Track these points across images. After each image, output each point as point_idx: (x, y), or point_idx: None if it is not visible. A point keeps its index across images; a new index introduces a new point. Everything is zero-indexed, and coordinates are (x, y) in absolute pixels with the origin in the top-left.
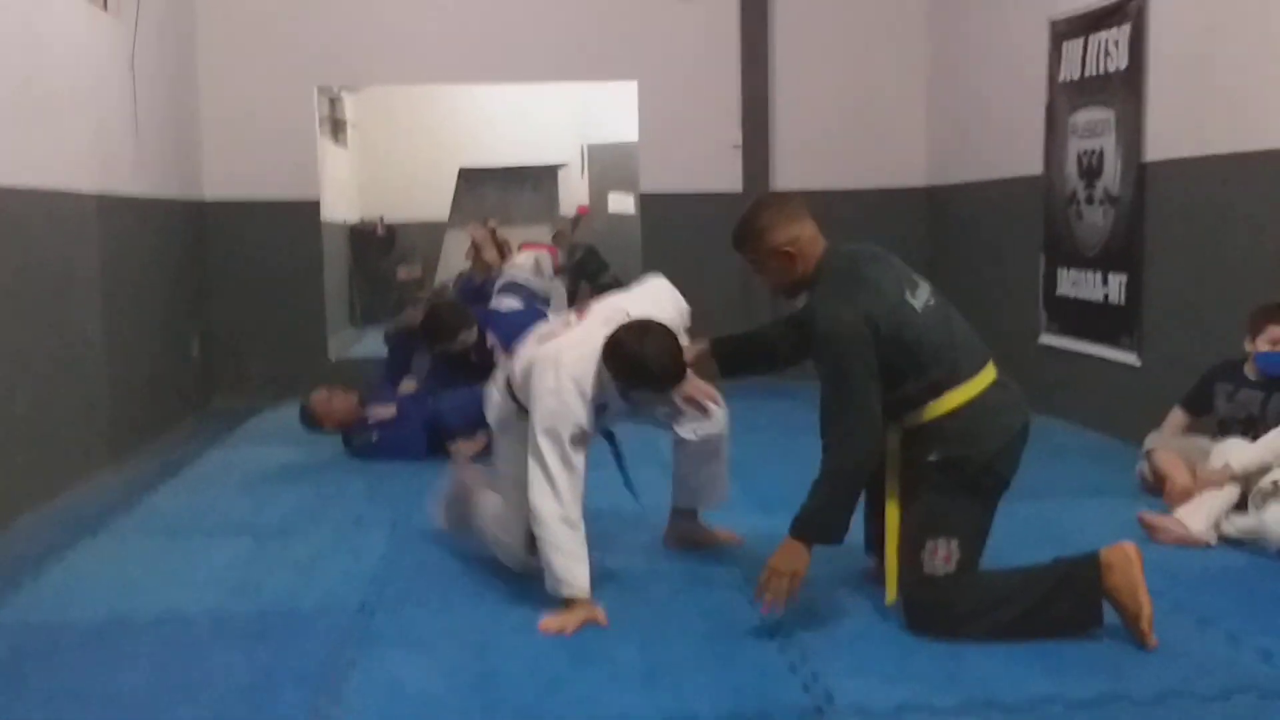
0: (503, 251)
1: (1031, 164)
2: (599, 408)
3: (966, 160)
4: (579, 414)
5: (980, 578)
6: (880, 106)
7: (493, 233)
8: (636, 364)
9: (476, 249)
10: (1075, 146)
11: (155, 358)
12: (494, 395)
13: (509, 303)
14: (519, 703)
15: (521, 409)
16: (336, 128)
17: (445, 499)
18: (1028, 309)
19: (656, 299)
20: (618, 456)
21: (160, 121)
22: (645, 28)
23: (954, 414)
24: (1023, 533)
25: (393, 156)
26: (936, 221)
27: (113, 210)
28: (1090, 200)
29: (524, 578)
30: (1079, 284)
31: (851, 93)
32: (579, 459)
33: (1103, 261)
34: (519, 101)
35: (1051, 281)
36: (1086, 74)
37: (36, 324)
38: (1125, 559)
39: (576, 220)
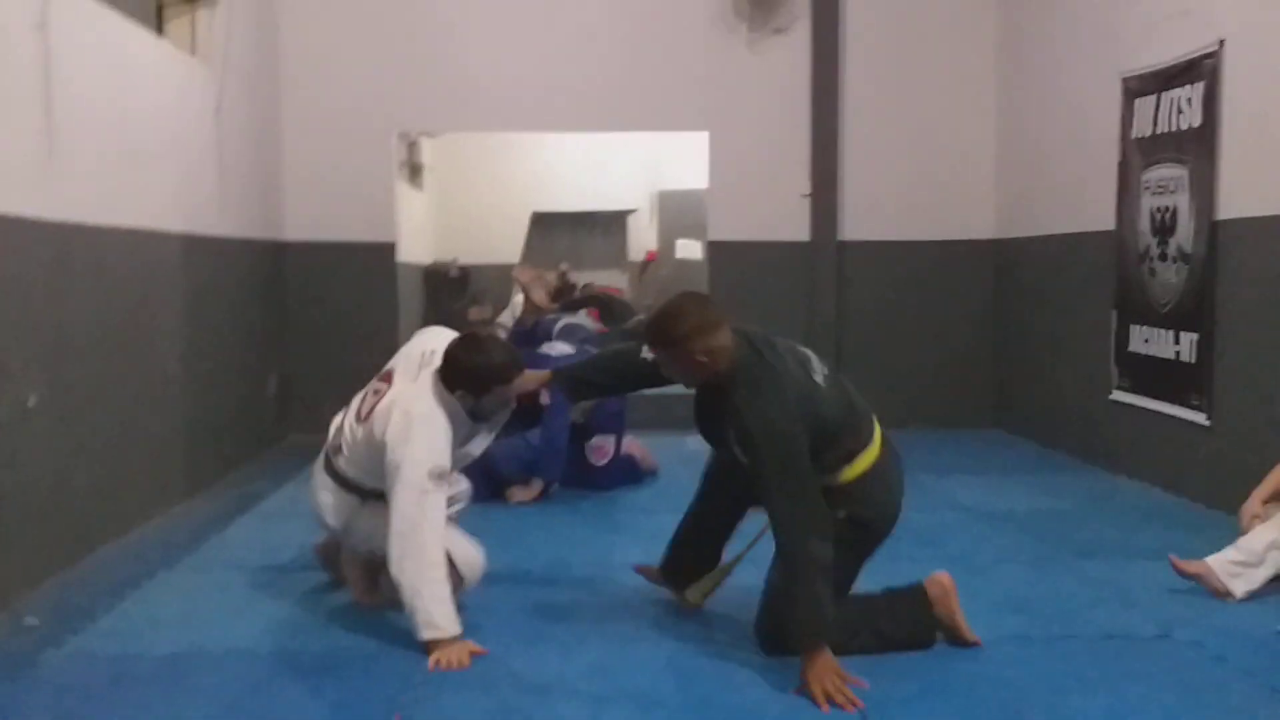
0: (561, 293)
1: (1103, 219)
2: (457, 442)
3: (1035, 214)
4: (442, 452)
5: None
6: (949, 158)
7: (563, 275)
8: (480, 366)
9: (525, 291)
10: (1148, 203)
11: (233, 395)
12: (326, 498)
13: (561, 348)
14: None
15: (360, 494)
16: (413, 171)
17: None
18: (1098, 365)
19: (441, 334)
20: None
21: (244, 164)
22: (718, 80)
23: (862, 477)
24: (1089, 593)
25: (467, 199)
26: (1004, 275)
27: (196, 250)
28: (1163, 257)
29: (585, 625)
30: (1151, 341)
31: (921, 144)
32: (441, 498)
33: (1174, 319)
34: (591, 148)
35: (1123, 337)
36: (1159, 131)
37: (120, 359)
38: (943, 591)
39: (644, 266)
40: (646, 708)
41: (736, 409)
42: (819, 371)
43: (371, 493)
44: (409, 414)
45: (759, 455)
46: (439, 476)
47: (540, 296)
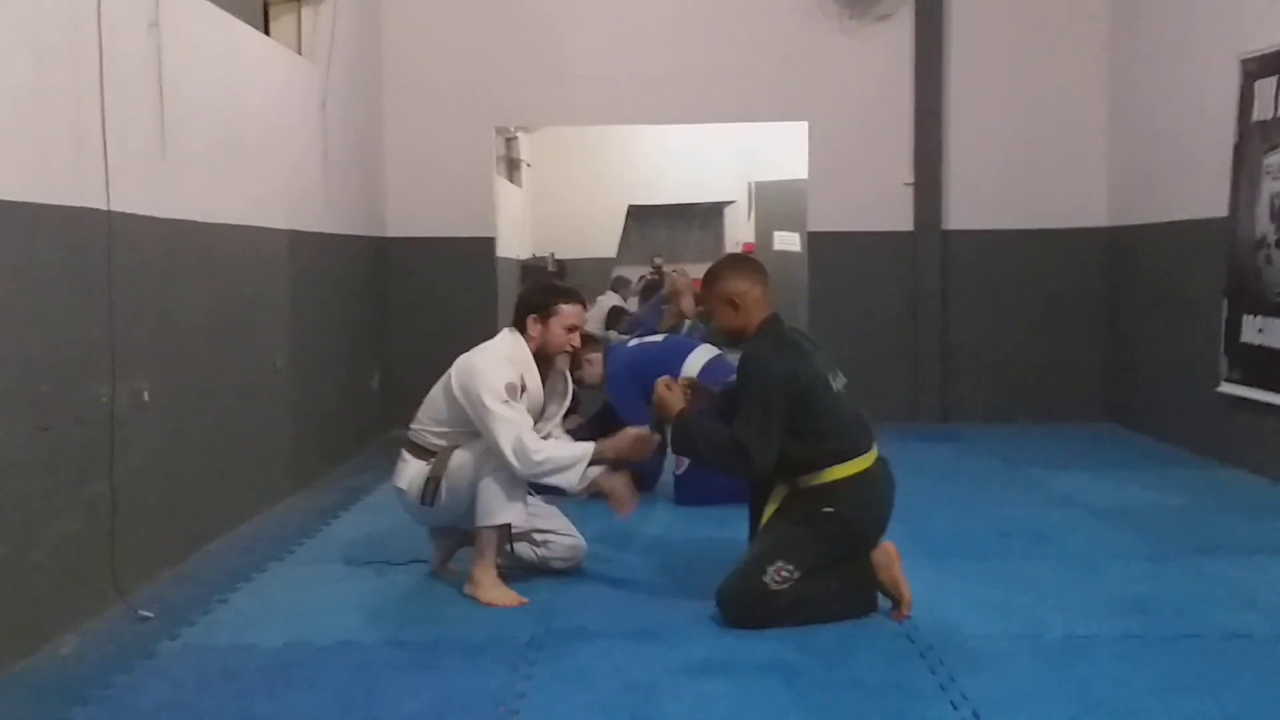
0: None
1: (1216, 206)
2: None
3: (1147, 200)
4: (507, 371)
5: (787, 593)
6: (1058, 144)
7: (657, 268)
8: (523, 294)
9: (676, 296)
10: (1268, 188)
11: (338, 388)
12: (406, 471)
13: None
14: None
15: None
16: (511, 166)
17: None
18: (1206, 356)
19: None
20: None
21: (348, 161)
22: (817, 68)
23: (850, 480)
24: (1207, 591)
25: (564, 194)
26: (1114, 263)
27: (302, 245)
28: None
29: (690, 619)
30: (1266, 331)
31: (1028, 129)
32: (522, 408)
33: None
34: (688, 140)
35: (1235, 328)
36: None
37: (228, 354)
38: (888, 558)
39: None
40: (750, 707)
41: (744, 352)
42: (838, 383)
43: (434, 450)
44: (468, 357)
45: (742, 385)
46: (512, 390)
47: (689, 305)
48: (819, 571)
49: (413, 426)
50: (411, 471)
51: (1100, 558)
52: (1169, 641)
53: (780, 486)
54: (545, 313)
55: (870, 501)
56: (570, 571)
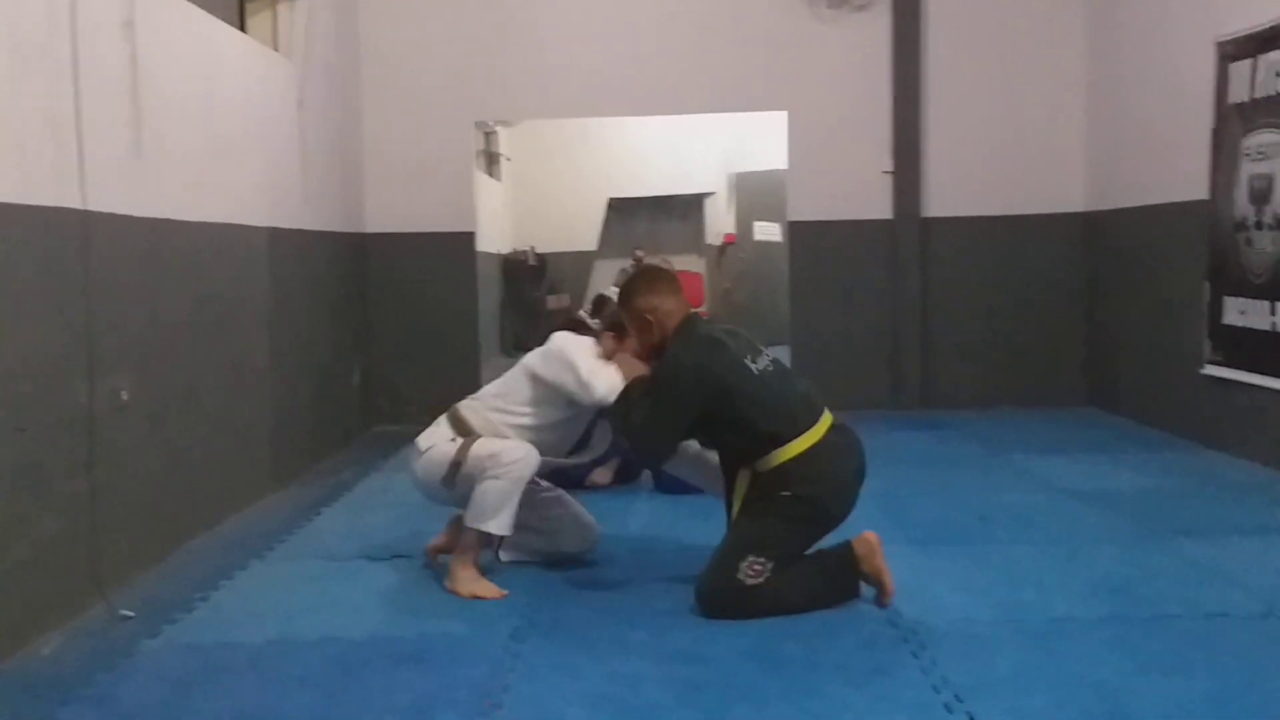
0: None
1: (1195, 189)
2: None
3: (1126, 185)
4: (588, 344)
5: (766, 585)
6: (1036, 130)
7: (638, 260)
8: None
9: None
10: (1247, 170)
11: (319, 386)
12: (438, 442)
13: None
14: None
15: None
16: (490, 161)
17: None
18: (1189, 338)
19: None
20: None
21: (326, 157)
22: (796, 58)
23: (797, 459)
24: (1190, 572)
25: (544, 188)
26: (1094, 248)
27: (281, 243)
28: (1260, 226)
29: (675, 610)
30: (1247, 313)
31: (1006, 116)
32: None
33: (1272, 289)
34: (667, 132)
35: (1216, 310)
36: (1257, 95)
37: (208, 352)
38: (870, 548)
39: (723, 249)
40: (735, 694)
41: (664, 358)
42: (760, 364)
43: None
44: (550, 340)
45: (655, 382)
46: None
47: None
48: (795, 557)
49: (469, 400)
50: (437, 437)
51: (1082, 541)
52: (1151, 623)
53: (743, 472)
54: (623, 336)
55: (823, 475)
56: (581, 557)
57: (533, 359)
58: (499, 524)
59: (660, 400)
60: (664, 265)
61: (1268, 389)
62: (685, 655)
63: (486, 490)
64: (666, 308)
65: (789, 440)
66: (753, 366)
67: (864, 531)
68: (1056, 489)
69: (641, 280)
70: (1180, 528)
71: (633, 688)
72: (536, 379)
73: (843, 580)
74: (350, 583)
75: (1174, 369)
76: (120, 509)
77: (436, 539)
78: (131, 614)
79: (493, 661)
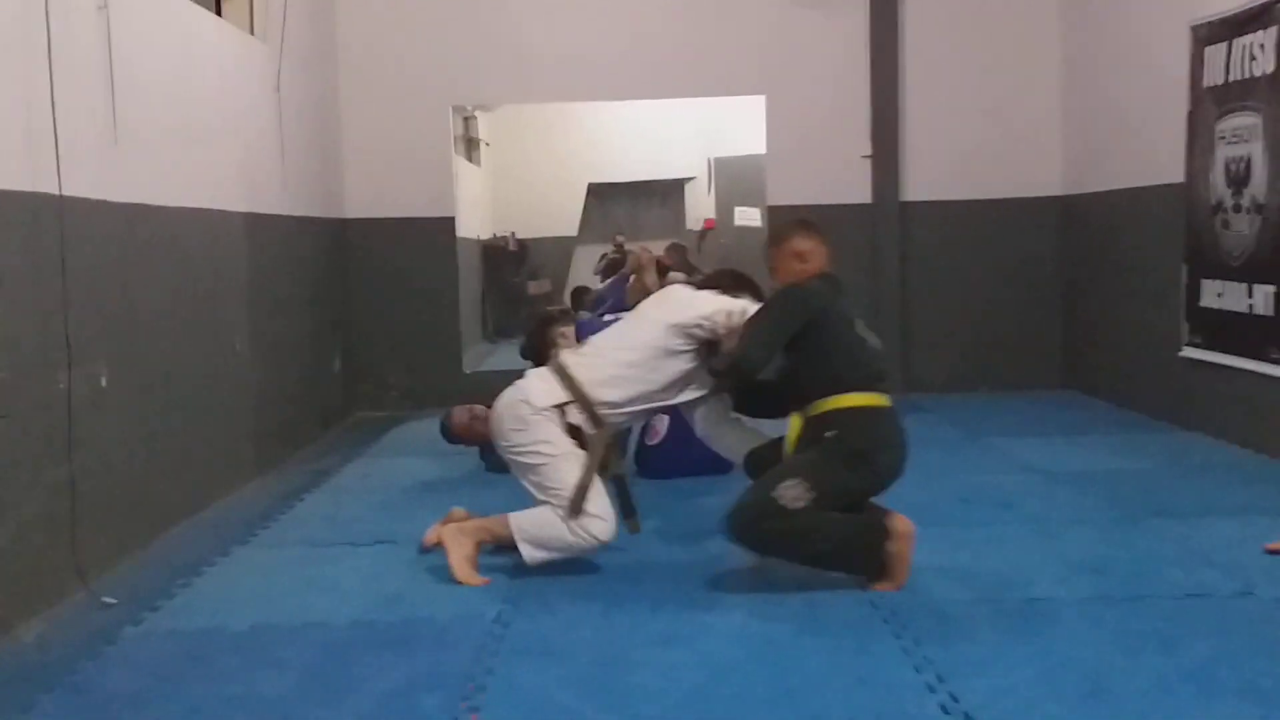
0: (662, 276)
1: (1172, 172)
2: None
3: (1102, 169)
4: None
5: (801, 516)
6: (1013, 114)
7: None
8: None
9: (639, 273)
10: (1223, 154)
11: (300, 371)
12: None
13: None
14: (654, 716)
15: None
16: (470, 146)
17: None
18: (1167, 321)
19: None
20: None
21: (304, 142)
22: (774, 43)
23: (850, 410)
24: (1167, 552)
25: (524, 173)
26: (1071, 231)
27: (259, 228)
28: (1237, 208)
29: (659, 592)
30: (1225, 295)
31: (984, 101)
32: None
33: (1249, 271)
34: (647, 117)
35: (1194, 293)
36: (1231, 79)
37: (188, 338)
38: (906, 531)
39: (703, 234)
40: (719, 675)
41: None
42: (860, 327)
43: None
44: (671, 292)
45: (771, 298)
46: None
47: (652, 280)
48: (831, 501)
49: (577, 353)
50: (539, 380)
51: (1061, 522)
52: (1129, 602)
53: (795, 417)
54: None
55: (874, 428)
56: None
57: (652, 308)
58: (533, 557)
59: (764, 318)
60: (644, 251)
61: (1245, 371)
62: (670, 637)
63: (560, 534)
64: (820, 252)
65: (849, 389)
66: (856, 323)
67: (902, 516)
68: (1036, 471)
69: (799, 225)
70: (1158, 508)
71: (618, 670)
72: (671, 326)
73: (869, 554)
74: (333, 568)
75: (1152, 351)
76: (101, 495)
77: (431, 533)
78: (114, 600)
79: (477, 645)
